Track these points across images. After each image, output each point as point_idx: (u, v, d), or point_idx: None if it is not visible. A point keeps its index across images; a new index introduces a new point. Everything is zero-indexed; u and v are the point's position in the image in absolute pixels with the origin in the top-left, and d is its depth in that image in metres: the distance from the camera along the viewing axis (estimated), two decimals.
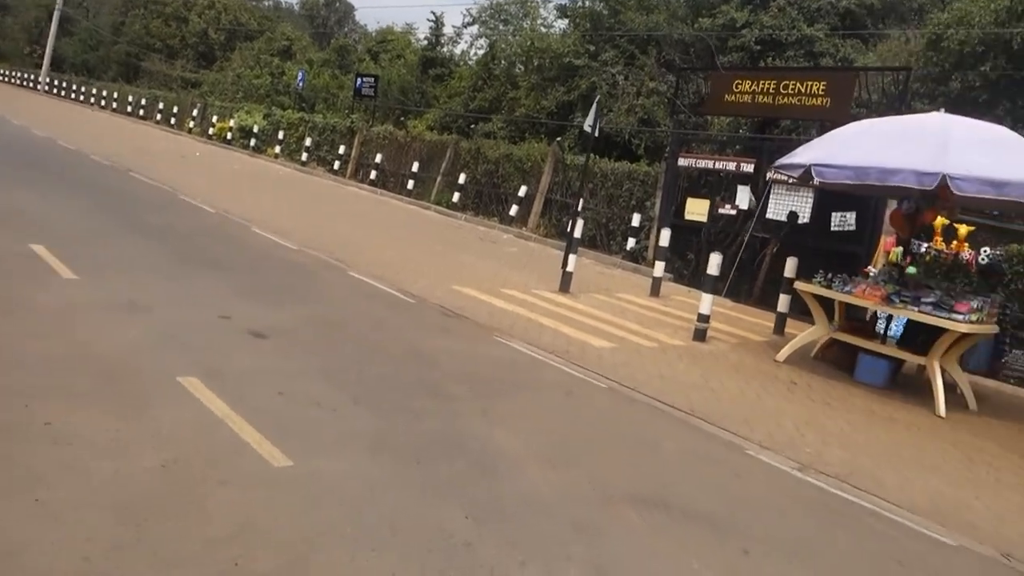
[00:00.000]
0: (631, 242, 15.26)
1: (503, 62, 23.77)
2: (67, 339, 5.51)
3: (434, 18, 28.28)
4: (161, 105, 34.52)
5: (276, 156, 26.22)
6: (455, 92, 24.67)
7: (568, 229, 10.81)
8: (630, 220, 15.53)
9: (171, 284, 7.56)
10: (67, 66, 48.12)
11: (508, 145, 19.31)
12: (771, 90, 13.13)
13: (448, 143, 20.92)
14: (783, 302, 10.55)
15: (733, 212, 13.65)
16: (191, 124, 31.50)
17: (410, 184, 21.05)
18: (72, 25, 50.05)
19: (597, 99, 10.67)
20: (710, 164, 14.10)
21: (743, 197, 13.56)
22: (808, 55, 17.68)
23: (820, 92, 12.49)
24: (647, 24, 19.30)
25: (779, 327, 10.57)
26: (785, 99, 12.93)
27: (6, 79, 49.96)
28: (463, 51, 30.27)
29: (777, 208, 13.06)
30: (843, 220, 12.38)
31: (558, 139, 17.84)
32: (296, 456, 4.20)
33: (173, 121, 33.09)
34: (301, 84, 28.62)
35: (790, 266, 10.52)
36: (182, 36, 43.88)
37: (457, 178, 19.68)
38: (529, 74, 21.49)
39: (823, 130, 13.59)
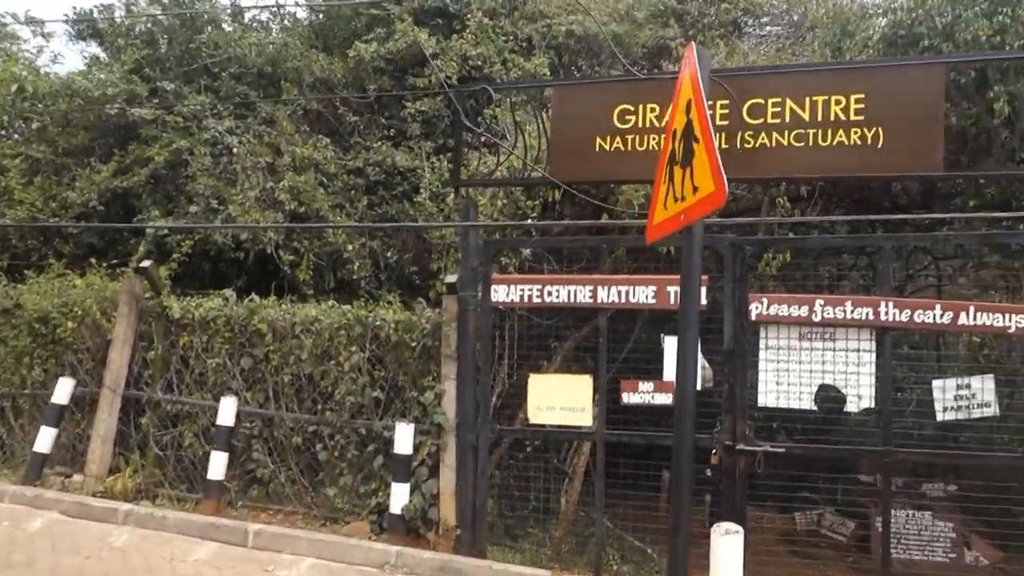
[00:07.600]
0: (399, 493, 6.35)
1: None
2: None
3: None
4: None
5: None
6: None
7: None
8: (383, 440, 6.63)
9: None
10: None
11: (3, 284, 8.65)
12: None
13: None
14: None
15: (667, 400, 5.87)
16: None
17: None
18: None
19: None
20: (587, 294, 6.12)
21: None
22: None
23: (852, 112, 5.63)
24: (262, 47, 10.60)
25: None
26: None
27: None
28: None
29: (780, 381, 5.71)
30: (964, 395, 5.50)
31: (141, 263, 7.82)
32: None
33: None
34: None
35: None
36: None
37: None
38: (26, 143, 10.95)
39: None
